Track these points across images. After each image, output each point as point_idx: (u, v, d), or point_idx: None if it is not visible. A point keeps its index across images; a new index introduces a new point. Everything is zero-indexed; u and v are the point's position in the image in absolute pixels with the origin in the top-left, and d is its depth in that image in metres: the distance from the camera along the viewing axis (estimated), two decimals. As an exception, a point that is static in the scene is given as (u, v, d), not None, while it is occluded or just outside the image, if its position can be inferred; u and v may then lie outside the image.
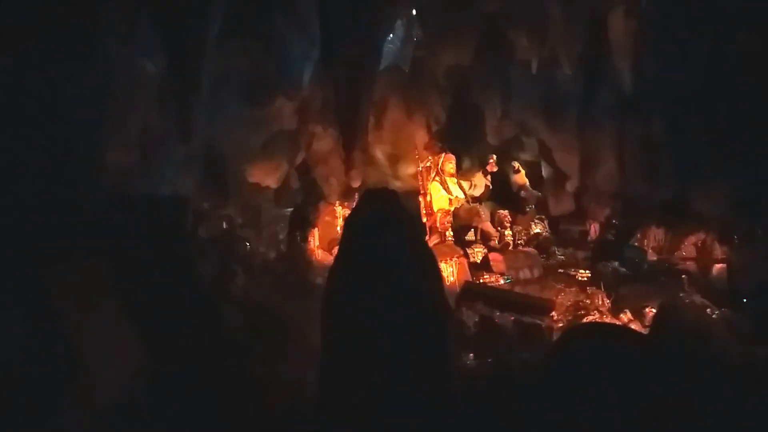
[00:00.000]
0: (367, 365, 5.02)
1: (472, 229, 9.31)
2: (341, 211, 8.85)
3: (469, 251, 9.14)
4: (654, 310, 7.44)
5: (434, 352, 4.99)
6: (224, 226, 8.10)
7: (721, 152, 10.09)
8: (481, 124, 11.64)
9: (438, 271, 5.09)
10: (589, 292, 7.89)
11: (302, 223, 8.16)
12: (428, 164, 9.97)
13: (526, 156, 11.96)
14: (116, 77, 7.82)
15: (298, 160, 11.62)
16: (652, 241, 9.96)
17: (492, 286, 8.15)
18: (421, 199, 9.62)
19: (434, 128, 11.64)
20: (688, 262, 9.25)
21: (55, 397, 5.74)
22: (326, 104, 11.48)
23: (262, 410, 6.34)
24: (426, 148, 10.29)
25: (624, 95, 10.73)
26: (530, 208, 10.06)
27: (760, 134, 9.20)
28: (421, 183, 9.79)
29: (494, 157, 9.95)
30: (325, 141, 12.00)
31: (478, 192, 9.95)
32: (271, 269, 7.52)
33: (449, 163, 9.81)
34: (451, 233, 9.16)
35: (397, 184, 12.02)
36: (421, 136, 11.47)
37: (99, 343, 6.13)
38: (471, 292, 7.66)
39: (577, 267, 9.10)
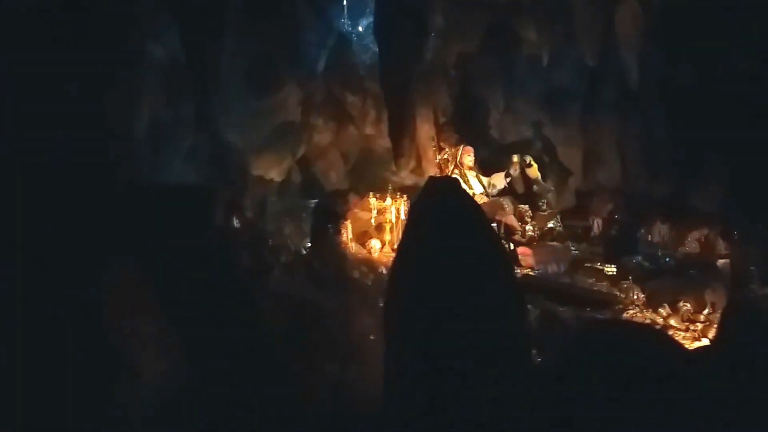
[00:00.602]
0: (438, 362, 4.81)
1: (495, 224, 9.13)
2: (376, 203, 8.64)
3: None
4: (687, 305, 7.40)
5: (511, 348, 4.80)
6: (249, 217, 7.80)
7: (720, 149, 10.17)
8: (484, 118, 11.53)
9: (509, 260, 4.92)
10: (623, 286, 7.77)
11: (329, 215, 7.93)
12: (446, 156, 9.80)
13: (527, 151, 11.86)
14: (137, 66, 7.55)
15: (300, 153, 11.40)
16: (656, 236, 9.95)
17: (553, 280, 8.00)
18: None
19: (441, 120, 11.47)
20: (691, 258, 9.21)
21: (99, 399, 5.53)
22: (329, 95, 11.33)
23: (304, 409, 6.13)
24: (443, 140, 10.10)
25: (628, 90, 10.72)
26: (543, 202, 9.96)
27: (759, 132, 9.26)
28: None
29: (517, 157, 9.82)
30: (324, 134, 11.80)
31: (494, 191, 9.82)
32: (305, 262, 7.28)
33: (468, 156, 9.67)
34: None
35: (395, 179, 11.92)
36: (426, 129, 11.31)
37: (140, 341, 5.88)
38: (531, 285, 7.48)
39: (592, 262, 9.00)
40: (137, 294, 6.08)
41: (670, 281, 7.85)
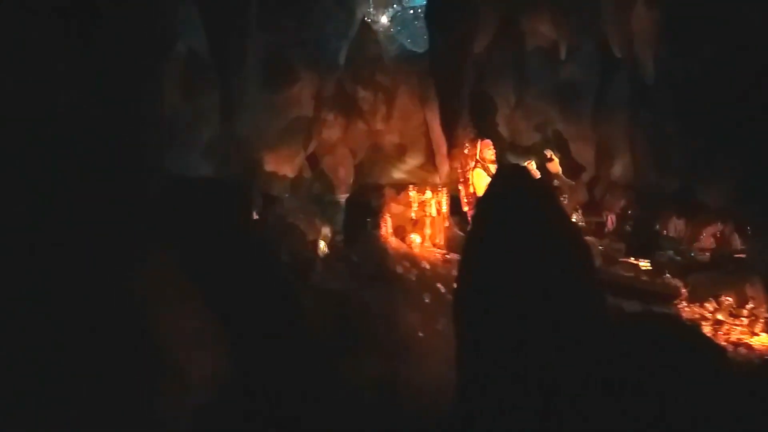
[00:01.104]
0: (515, 356, 4.64)
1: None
2: (416, 197, 8.45)
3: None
4: (729, 299, 7.33)
5: (593, 340, 4.64)
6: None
7: (731, 144, 10.10)
8: (494, 113, 11.41)
9: (588, 249, 4.78)
10: (665, 280, 7.67)
11: (363, 209, 7.73)
12: (465, 151, 9.64)
13: (540, 146, 11.77)
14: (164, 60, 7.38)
15: (311, 149, 11.22)
16: (672, 231, 9.88)
17: (616, 273, 7.86)
18: (461, 188, 9.24)
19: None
20: (706, 253, 9.15)
21: (147, 399, 5.32)
22: (341, 90, 11.14)
23: (353, 408, 5.94)
24: (461, 135, 9.95)
25: (641, 85, 10.65)
26: (564, 197, 9.83)
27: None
28: (460, 171, 9.44)
29: (551, 153, 9.69)
30: (333, 130, 11.64)
31: None
32: (343, 257, 7.08)
33: (488, 150, 9.49)
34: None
35: (401, 176, 11.79)
36: (437, 125, 11.16)
37: (184, 340, 5.67)
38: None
39: (617, 257, 8.89)
40: (180, 290, 5.83)
41: (710, 276, 7.74)
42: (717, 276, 7.68)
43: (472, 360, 4.82)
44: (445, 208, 8.42)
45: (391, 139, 11.83)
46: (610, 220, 10.64)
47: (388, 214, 7.84)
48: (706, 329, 6.39)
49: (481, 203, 5.02)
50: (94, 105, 6.32)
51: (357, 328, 6.26)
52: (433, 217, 8.33)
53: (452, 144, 9.69)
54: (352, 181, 11.48)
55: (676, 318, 6.01)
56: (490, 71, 11.22)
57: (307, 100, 10.46)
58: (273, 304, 6.18)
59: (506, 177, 4.97)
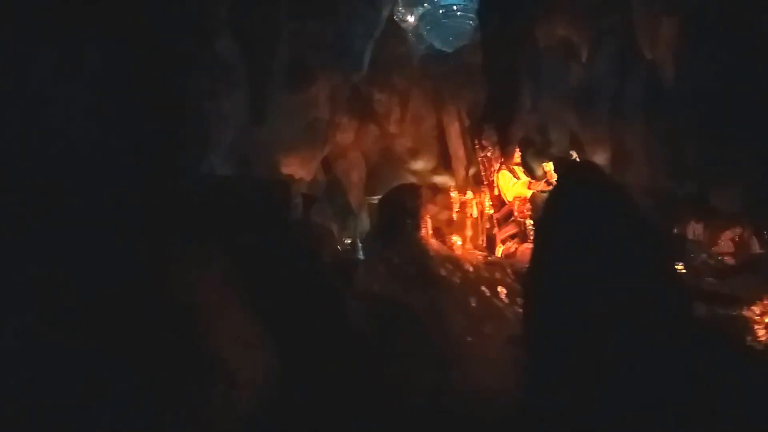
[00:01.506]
0: (594, 357, 4.46)
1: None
2: (458, 197, 8.28)
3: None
4: (771, 302, 7.23)
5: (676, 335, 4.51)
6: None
7: (746, 148, 10.08)
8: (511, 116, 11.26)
9: (665, 243, 4.65)
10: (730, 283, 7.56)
11: (398, 211, 7.53)
12: (488, 154, 9.48)
13: (554, 149, 11.66)
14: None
15: (325, 152, 11.05)
16: (690, 235, 9.81)
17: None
18: (455, 194, 9.07)
19: (467, 121, 11.19)
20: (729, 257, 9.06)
21: (197, 403, 5.10)
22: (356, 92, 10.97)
23: (400, 416, 5.76)
24: (484, 137, 9.79)
25: (660, 89, 10.59)
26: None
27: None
28: (483, 174, 9.29)
29: (575, 154, 9.56)
30: (347, 134, 11.47)
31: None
32: (385, 259, 6.87)
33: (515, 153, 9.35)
34: (532, 222, 8.65)
35: (412, 180, 11.62)
36: (456, 128, 11.03)
37: (232, 343, 5.42)
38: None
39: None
40: (226, 293, 5.62)
41: (751, 278, 7.63)
42: (755, 279, 7.55)
43: (546, 362, 4.61)
44: (488, 209, 8.23)
45: (403, 142, 11.67)
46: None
47: (427, 216, 7.65)
48: (761, 332, 6.25)
49: (554, 198, 4.87)
50: (131, 107, 6.14)
51: (403, 332, 6.01)
52: (475, 218, 8.16)
53: (507, 140, 9.50)
54: (364, 184, 11.29)
55: (747, 321, 5.86)
56: (507, 74, 11.06)
57: (324, 102, 10.27)
58: (318, 306, 5.96)
59: (578, 171, 4.81)
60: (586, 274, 4.50)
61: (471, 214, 8.25)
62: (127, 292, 5.19)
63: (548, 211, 4.86)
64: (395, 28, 10.38)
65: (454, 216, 8.18)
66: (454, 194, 8.38)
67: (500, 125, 11.02)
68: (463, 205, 8.28)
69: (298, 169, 10.05)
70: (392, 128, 11.20)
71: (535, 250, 4.75)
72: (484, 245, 8.26)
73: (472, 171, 10.78)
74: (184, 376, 5.14)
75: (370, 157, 11.44)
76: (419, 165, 11.71)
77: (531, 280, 4.71)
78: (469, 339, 6.12)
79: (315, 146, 10.18)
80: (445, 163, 11.59)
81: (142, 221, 5.54)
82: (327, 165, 11.17)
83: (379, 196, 9.31)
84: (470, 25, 9.75)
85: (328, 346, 5.89)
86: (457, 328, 6.21)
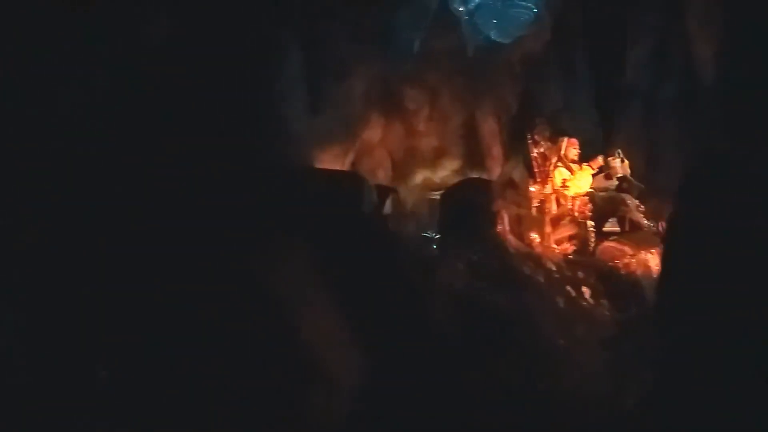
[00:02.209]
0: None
1: (612, 219, 8.44)
2: (537, 193, 7.87)
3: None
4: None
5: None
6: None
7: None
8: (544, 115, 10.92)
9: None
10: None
11: (463, 206, 7.12)
12: (543, 150, 9.08)
13: (588, 150, 11.33)
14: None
15: (356, 149, 10.57)
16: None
17: None
18: (534, 188, 8.67)
19: (504, 118, 10.79)
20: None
21: (295, 405, 4.88)
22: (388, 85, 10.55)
23: (487, 422, 5.38)
24: (537, 133, 9.39)
25: (694, 92, 10.30)
26: (635, 201, 9.34)
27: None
28: (537, 170, 8.89)
29: (620, 152, 9.22)
30: (374, 131, 10.99)
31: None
32: (463, 256, 6.45)
33: (573, 149, 8.97)
34: (592, 223, 8.27)
35: (437, 181, 11.21)
36: (490, 124, 10.62)
37: (326, 341, 5.16)
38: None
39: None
40: (317, 289, 5.31)
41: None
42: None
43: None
44: (570, 204, 7.84)
45: (429, 141, 11.21)
46: (660, 226, 10.16)
47: (503, 211, 7.23)
48: None
49: (687, 193, 4.52)
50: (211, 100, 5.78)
51: (489, 333, 5.63)
52: (554, 214, 7.76)
53: (535, 140, 9.12)
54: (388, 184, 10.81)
55: None
56: (542, 73, 10.73)
57: (359, 97, 9.82)
58: (401, 305, 5.62)
59: (712, 166, 4.46)
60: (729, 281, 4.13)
61: (550, 210, 7.82)
62: (216, 289, 4.92)
63: (686, 209, 4.50)
64: (447, 18, 9.89)
65: (533, 212, 7.75)
66: (533, 188, 7.94)
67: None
68: (544, 200, 7.85)
69: (331, 164, 9.54)
70: (421, 126, 10.72)
71: (671, 253, 4.36)
72: (566, 242, 7.84)
73: (510, 169, 10.35)
74: (281, 377, 4.84)
75: (395, 156, 10.94)
76: (445, 165, 11.24)
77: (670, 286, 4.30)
78: (561, 342, 5.66)
79: (347, 143, 9.69)
80: (472, 163, 11.11)
81: (229, 215, 5.22)
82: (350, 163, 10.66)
83: (440, 192, 8.86)
84: (531, 14, 9.34)
85: (414, 347, 5.55)
86: (547, 331, 5.81)
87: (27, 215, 4.61)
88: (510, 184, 8.10)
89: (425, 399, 5.30)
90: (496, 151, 10.78)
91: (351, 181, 6.21)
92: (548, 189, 8.13)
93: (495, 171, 10.63)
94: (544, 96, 10.50)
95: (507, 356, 5.65)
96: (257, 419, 4.55)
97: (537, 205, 7.96)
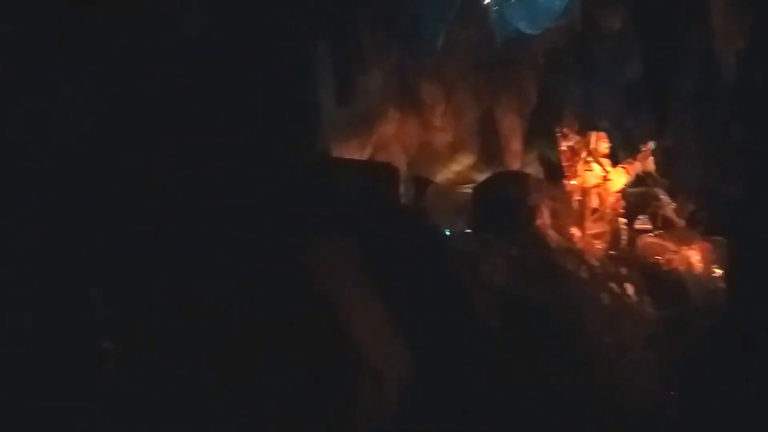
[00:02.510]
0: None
1: (643, 216, 8.25)
2: (579, 186, 7.66)
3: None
4: None
5: None
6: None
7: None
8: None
9: None
10: None
11: (501, 200, 6.90)
12: (572, 144, 8.85)
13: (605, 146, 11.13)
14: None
15: (372, 143, 10.38)
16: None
17: None
18: (576, 182, 8.41)
19: (525, 112, 10.59)
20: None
21: (345, 401, 4.72)
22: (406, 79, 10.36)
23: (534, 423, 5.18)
24: (566, 125, 9.16)
25: (713, 87, 10.11)
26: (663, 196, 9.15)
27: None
28: (567, 165, 8.65)
29: (651, 144, 9.01)
30: (390, 125, 10.79)
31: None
32: (503, 251, 6.24)
33: (604, 143, 8.75)
34: (624, 220, 8.06)
35: (450, 176, 11.02)
36: (510, 120, 10.42)
37: (374, 336, 4.94)
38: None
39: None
40: (362, 283, 5.11)
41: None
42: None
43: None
44: (612, 199, 7.63)
45: (443, 137, 11.00)
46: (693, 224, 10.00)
47: (543, 205, 7.01)
48: None
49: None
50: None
51: (533, 330, 5.43)
52: (595, 208, 7.53)
53: (563, 133, 8.91)
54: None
55: None
56: (562, 66, 10.52)
57: (378, 90, 9.62)
58: (445, 299, 5.43)
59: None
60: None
61: (590, 204, 7.60)
62: (263, 285, 4.75)
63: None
64: (473, 9, 9.61)
65: (575, 205, 7.52)
66: (575, 181, 7.71)
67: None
68: (585, 193, 7.62)
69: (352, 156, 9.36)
70: (436, 121, 10.52)
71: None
72: (608, 237, 7.63)
73: (529, 164, 10.18)
74: (330, 372, 4.67)
75: (409, 151, 10.73)
76: (459, 161, 11.04)
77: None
78: (607, 340, 5.45)
79: (364, 137, 9.49)
80: (487, 159, 10.91)
81: (268, 211, 5.06)
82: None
83: (472, 185, 8.64)
84: (561, 3, 9.09)
85: (458, 342, 5.38)
86: (592, 328, 5.59)
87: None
88: (547, 177, 7.87)
89: (468, 395, 5.11)
90: (516, 146, 10.60)
91: (387, 172, 5.93)
92: (589, 182, 7.90)
93: (514, 166, 10.44)
94: (566, 90, 10.29)
95: (552, 353, 5.44)
96: (308, 416, 4.40)
97: (578, 198, 7.70)
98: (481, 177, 11.00)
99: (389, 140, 10.78)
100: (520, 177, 7.72)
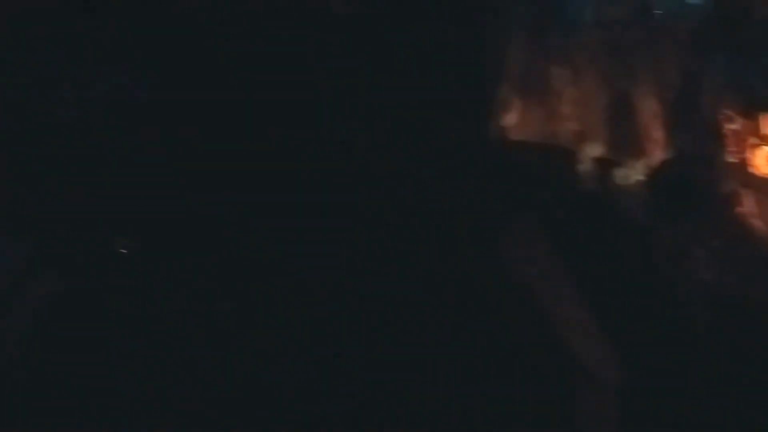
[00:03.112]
0: None
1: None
2: None
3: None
4: None
5: None
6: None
7: None
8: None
9: None
10: None
11: (689, 186, 6.31)
12: (737, 126, 8.15)
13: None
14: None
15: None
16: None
17: None
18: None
19: (667, 95, 9.95)
20: None
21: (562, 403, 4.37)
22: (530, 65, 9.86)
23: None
24: (727, 106, 8.50)
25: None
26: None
27: None
28: (733, 150, 7.97)
29: None
30: (510, 114, 10.31)
31: None
32: (704, 242, 5.67)
33: (772, 125, 8.05)
34: (805, 215, 7.37)
35: (581, 167, 10.47)
36: (648, 103, 9.75)
37: (588, 336, 4.54)
38: None
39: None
40: (560, 276, 4.65)
41: None
42: None
43: None
44: None
45: (569, 126, 10.38)
46: None
47: (743, 192, 6.36)
48: None
49: None
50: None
51: (748, 330, 4.88)
52: None
53: (728, 116, 8.25)
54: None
55: None
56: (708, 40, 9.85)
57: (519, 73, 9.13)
58: (651, 296, 4.87)
59: None
60: None
61: None
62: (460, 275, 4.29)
63: None
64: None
65: None
66: None
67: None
68: None
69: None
70: (564, 109, 9.90)
71: None
72: None
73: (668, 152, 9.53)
74: (540, 374, 4.37)
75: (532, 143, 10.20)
76: (587, 152, 10.42)
77: None
78: None
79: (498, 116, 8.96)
80: (619, 148, 10.31)
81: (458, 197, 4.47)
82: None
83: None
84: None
85: (670, 345, 4.87)
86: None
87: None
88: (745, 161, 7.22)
89: (677, 399, 4.54)
90: (660, 134, 9.96)
91: (565, 155, 5.47)
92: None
93: (655, 156, 9.80)
94: (721, 69, 9.67)
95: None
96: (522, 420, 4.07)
97: (796, 182, 7.01)
98: (618, 173, 10.50)
99: (509, 130, 10.31)
100: (707, 160, 7.04)
